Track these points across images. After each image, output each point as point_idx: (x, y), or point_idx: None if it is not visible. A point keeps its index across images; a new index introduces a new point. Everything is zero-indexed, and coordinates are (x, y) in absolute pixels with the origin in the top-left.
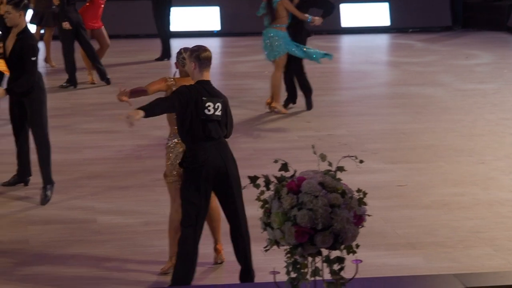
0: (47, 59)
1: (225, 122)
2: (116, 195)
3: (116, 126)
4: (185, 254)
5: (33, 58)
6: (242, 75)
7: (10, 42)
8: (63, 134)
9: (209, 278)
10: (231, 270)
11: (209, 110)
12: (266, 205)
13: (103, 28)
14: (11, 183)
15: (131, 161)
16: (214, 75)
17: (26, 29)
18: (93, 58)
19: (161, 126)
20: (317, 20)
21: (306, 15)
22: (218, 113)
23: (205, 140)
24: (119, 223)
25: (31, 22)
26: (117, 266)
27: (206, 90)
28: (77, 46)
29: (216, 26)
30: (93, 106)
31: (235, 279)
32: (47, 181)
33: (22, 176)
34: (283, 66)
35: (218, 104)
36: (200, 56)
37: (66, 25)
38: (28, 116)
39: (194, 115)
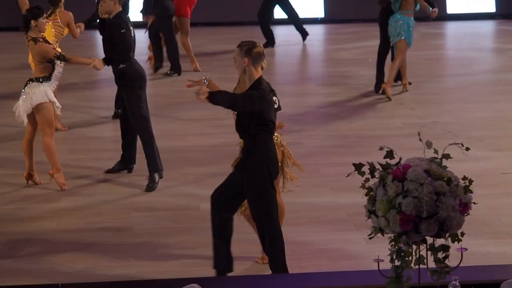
0: (150, 47)
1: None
2: (220, 182)
3: (219, 114)
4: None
5: (122, 31)
6: (347, 62)
7: None
8: (167, 121)
9: (310, 265)
10: (334, 257)
11: (276, 104)
12: (371, 193)
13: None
14: (115, 170)
15: (234, 148)
16: (317, 62)
17: (117, 14)
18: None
19: None
20: (436, 12)
21: (428, 5)
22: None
23: (271, 135)
24: None
25: (141, 11)
26: None
27: (267, 84)
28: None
29: (319, 13)
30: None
31: (339, 267)
32: (153, 169)
33: (126, 163)
34: (404, 51)
35: (276, 97)
36: (253, 51)
37: (148, 18)
38: (127, 108)
39: (271, 108)
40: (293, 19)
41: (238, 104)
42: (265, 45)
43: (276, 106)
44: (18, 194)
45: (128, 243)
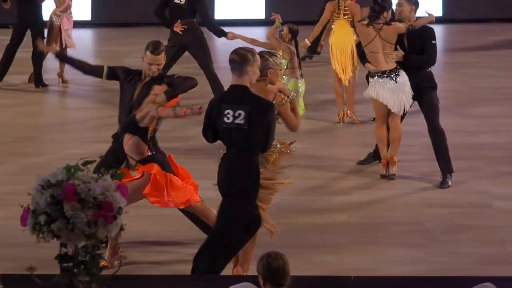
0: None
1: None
2: None
3: None
4: None
5: (434, 41)
6: None
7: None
8: (459, 117)
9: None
10: None
11: (227, 118)
12: None
13: None
14: (366, 162)
15: None
16: None
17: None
18: None
19: None
20: None
21: None
22: (238, 121)
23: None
24: None
25: None
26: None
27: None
28: None
29: None
30: (491, 89)
31: None
32: (444, 169)
33: (377, 155)
34: None
35: (240, 112)
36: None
37: None
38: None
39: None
40: None
41: None
42: None
43: (228, 121)
44: (309, 185)
45: (418, 239)
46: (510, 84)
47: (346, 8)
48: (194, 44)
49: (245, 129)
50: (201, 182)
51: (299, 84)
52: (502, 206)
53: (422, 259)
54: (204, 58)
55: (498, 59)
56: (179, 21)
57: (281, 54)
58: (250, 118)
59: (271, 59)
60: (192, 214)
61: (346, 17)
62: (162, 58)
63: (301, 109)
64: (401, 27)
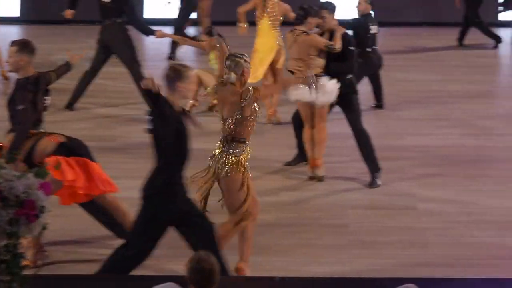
0: None
1: None
2: (438, 183)
3: (441, 114)
4: None
5: (351, 48)
6: None
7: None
8: (386, 119)
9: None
10: None
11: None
12: None
13: None
14: (293, 163)
15: (454, 150)
16: None
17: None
18: None
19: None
20: None
21: None
22: None
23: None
24: (440, 212)
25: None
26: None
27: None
28: None
29: None
30: (418, 92)
31: None
32: (372, 169)
33: (303, 156)
34: None
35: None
36: None
37: None
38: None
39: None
40: None
41: None
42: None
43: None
44: None
45: (342, 240)
46: (437, 88)
47: (273, 6)
48: (117, 44)
49: None
50: (127, 182)
51: None
52: (426, 208)
53: (346, 260)
54: (128, 58)
55: (426, 63)
56: (71, 11)
57: (213, 57)
58: None
59: (242, 60)
60: (98, 213)
61: (271, 19)
62: (12, 50)
63: None
64: (319, 42)
